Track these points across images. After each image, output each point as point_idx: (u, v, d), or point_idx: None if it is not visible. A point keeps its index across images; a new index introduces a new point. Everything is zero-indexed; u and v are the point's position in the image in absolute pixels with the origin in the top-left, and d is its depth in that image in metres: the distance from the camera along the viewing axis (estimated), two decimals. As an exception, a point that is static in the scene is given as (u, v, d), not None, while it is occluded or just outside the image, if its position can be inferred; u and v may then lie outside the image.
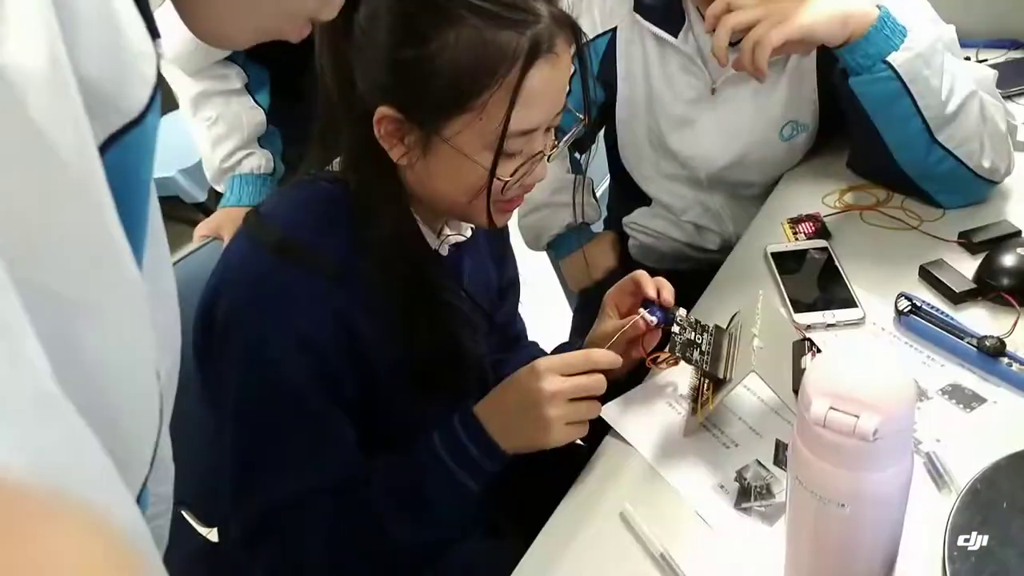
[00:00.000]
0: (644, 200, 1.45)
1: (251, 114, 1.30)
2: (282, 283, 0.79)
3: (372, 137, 0.78)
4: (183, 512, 1.02)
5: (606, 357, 0.84)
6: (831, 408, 0.56)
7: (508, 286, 1.10)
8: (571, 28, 0.78)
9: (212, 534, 1.05)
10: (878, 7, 1.04)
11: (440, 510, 0.82)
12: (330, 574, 0.81)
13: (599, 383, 0.83)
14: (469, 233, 0.93)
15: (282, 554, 0.80)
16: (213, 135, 1.30)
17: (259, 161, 1.31)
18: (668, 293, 0.94)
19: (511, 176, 0.79)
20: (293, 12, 0.54)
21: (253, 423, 0.80)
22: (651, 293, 0.93)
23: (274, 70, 1.33)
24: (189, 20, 0.50)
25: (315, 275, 0.79)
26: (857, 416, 0.55)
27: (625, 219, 1.49)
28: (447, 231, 0.91)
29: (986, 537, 0.70)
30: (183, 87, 1.29)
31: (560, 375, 0.81)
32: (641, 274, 0.96)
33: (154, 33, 0.42)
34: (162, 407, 0.48)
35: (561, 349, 1.12)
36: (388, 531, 0.80)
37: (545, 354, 1.16)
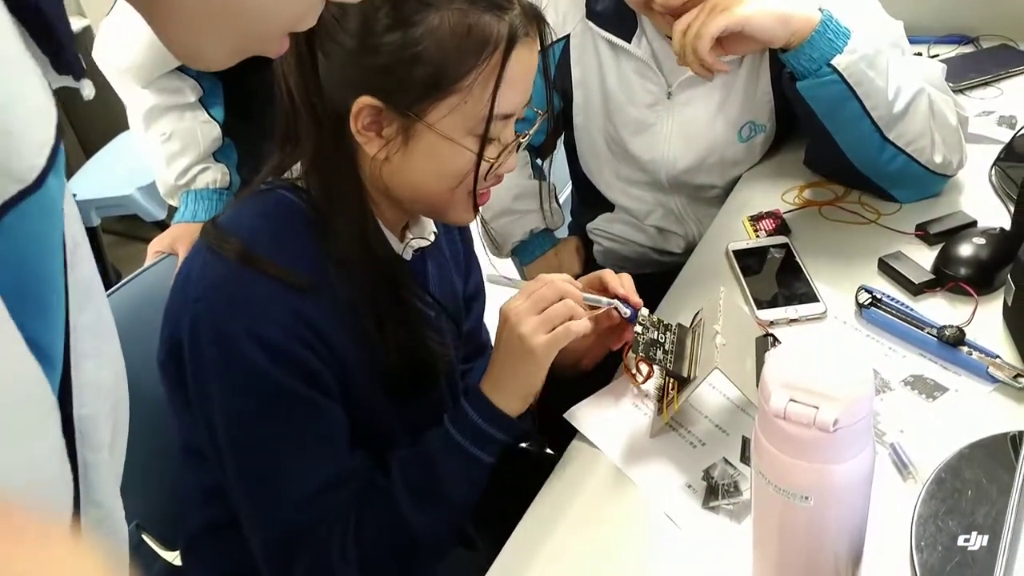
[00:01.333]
0: (607, 206, 1.45)
1: (205, 129, 1.27)
2: (246, 288, 0.77)
3: (336, 138, 0.78)
4: (144, 537, 1.00)
5: (566, 282, 0.87)
6: (791, 400, 0.56)
7: (473, 295, 1.09)
8: (537, 21, 0.80)
9: (175, 558, 1.02)
10: (820, 10, 1.05)
11: (454, 490, 0.84)
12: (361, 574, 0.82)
13: (570, 308, 0.85)
14: (432, 238, 0.93)
15: (315, 563, 0.80)
16: (167, 152, 1.27)
17: (214, 175, 1.28)
18: (632, 287, 0.95)
19: (495, 158, 0.81)
20: (281, 27, 0.50)
21: (247, 430, 0.79)
22: (620, 290, 0.94)
23: (227, 83, 1.31)
24: (164, 38, 0.47)
25: (280, 285, 0.77)
26: (817, 407, 0.55)
27: (589, 225, 1.49)
28: (409, 235, 0.90)
29: (952, 526, 0.70)
30: (134, 101, 1.26)
31: (529, 312, 0.84)
32: (607, 272, 0.97)
33: (75, 72, 0.39)
34: (81, 481, 0.44)
35: None
36: (407, 520, 0.82)
37: None
